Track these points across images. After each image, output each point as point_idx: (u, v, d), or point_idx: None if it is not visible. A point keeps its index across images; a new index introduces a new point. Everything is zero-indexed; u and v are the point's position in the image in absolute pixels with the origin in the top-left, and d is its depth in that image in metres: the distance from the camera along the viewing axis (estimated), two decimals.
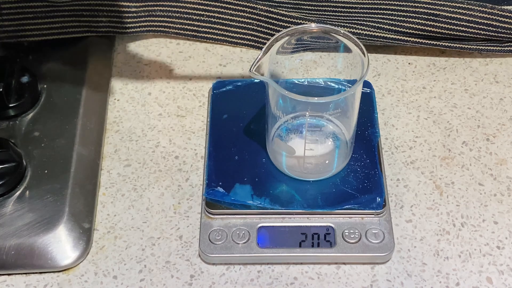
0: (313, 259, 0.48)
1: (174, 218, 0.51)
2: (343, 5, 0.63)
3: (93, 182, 0.53)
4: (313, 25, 0.48)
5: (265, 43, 0.47)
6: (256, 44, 0.62)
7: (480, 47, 0.60)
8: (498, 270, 0.48)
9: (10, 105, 0.55)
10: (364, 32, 0.60)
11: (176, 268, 0.49)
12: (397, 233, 0.50)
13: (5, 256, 0.48)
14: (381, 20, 0.60)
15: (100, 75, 0.60)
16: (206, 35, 0.62)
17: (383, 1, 0.62)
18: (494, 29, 0.60)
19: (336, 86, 0.53)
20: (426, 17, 0.59)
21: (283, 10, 0.61)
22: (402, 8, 0.60)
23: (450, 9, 0.59)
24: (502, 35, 0.60)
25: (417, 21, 0.59)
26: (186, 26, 0.62)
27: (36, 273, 0.48)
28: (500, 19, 0.59)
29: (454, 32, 0.60)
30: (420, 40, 0.60)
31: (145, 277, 0.48)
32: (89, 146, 0.54)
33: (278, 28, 0.61)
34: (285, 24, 0.61)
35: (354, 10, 0.63)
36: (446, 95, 0.59)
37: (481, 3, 0.59)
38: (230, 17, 0.62)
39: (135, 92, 0.60)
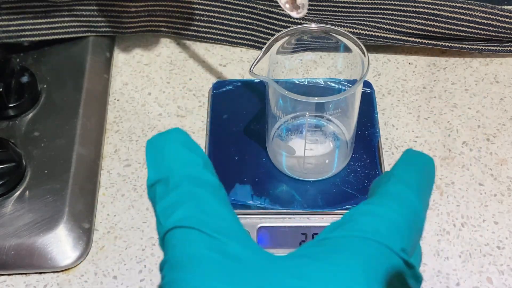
0: None
1: None
2: (343, 5, 0.63)
3: (93, 182, 0.53)
4: (313, 25, 0.48)
5: (265, 43, 0.47)
6: (256, 44, 0.62)
7: (480, 47, 0.60)
8: (498, 270, 0.48)
9: (10, 105, 0.55)
10: (364, 32, 0.60)
11: None
12: None
13: (5, 256, 0.48)
14: (381, 20, 0.60)
15: (100, 75, 0.60)
16: (206, 35, 0.62)
17: (383, 1, 0.62)
18: (494, 29, 0.60)
19: (336, 86, 0.53)
20: (426, 17, 0.59)
21: (283, 10, 0.61)
22: (402, 8, 0.60)
23: (450, 9, 0.59)
24: (502, 35, 0.60)
25: (417, 21, 0.59)
26: (186, 26, 0.62)
27: (36, 273, 0.48)
28: (500, 19, 0.59)
29: (454, 32, 0.60)
30: (420, 40, 0.60)
31: (145, 277, 0.48)
32: (89, 146, 0.54)
33: (278, 28, 0.61)
34: (285, 24, 0.61)
35: (354, 10, 0.63)
36: (446, 95, 0.59)
37: (481, 3, 0.59)
38: (230, 17, 0.62)
39: (135, 92, 0.60)
